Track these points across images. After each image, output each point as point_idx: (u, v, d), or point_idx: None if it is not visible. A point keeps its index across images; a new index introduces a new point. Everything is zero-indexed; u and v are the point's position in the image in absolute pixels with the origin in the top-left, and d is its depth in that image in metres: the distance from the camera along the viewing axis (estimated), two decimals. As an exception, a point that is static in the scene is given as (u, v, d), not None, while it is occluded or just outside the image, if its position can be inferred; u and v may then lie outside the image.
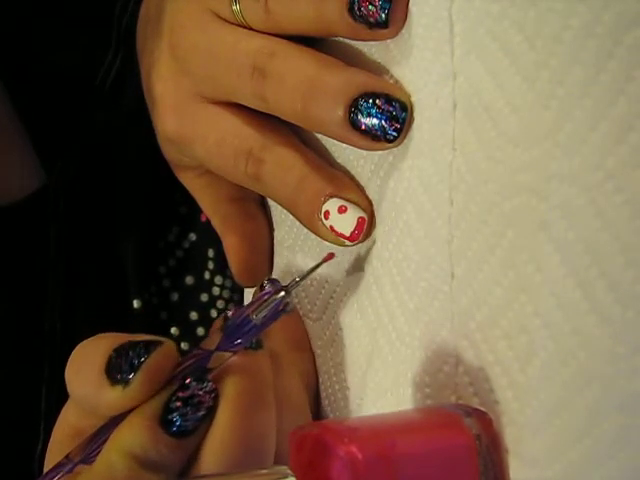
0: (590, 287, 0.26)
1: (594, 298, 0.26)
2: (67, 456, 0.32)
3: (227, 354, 0.32)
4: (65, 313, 0.46)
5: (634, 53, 0.24)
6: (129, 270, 0.48)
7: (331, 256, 0.35)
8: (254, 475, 0.28)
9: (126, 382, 0.30)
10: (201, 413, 0.31)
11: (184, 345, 0.49)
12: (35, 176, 0.47)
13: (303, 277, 0.33)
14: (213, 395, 0.31)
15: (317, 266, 0.34)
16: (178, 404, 0.31)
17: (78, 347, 0.33)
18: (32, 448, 0.35)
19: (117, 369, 0.31)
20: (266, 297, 0.33)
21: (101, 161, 0.48)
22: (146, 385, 0.31)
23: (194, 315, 0.49)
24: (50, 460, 0.33)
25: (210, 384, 0.31)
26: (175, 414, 0.30)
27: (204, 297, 0.49)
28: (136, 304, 0.48)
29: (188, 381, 0.31)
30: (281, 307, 0.33)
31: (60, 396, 0.34)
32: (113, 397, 0.31)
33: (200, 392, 0.31)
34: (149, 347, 0.31)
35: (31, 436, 0.38)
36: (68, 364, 0.33)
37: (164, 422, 0.30)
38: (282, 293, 0.33)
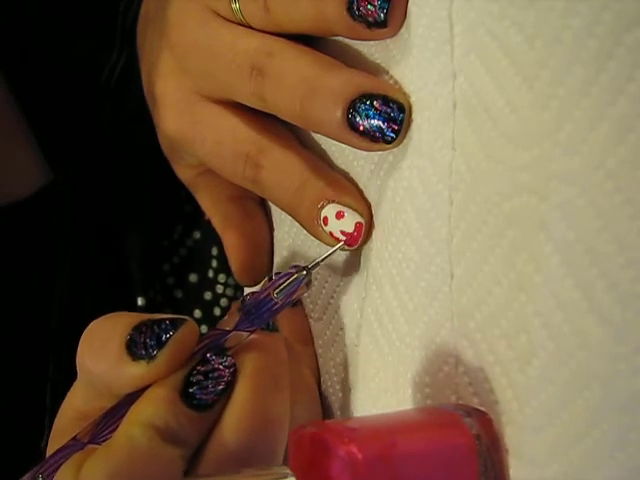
0: (590, 287, 0.26)
1: (594, 298, 0.25)
2: (75, 437, 0.32)
3: (245, 334, 0.33)
4: (71, 310, 0.46)
5: (634, 53, 0.24)
6: (134, 268, 0.48)
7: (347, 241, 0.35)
8: (254, 475, 0.28)
9: (151, 357, 0.31)
10: (221, 387, 0.31)
11: None
12: (41, 174, 0.47)
13: (324, 258, 0.35)
14: (232, 370, 0.32)
15: (336, 249, 0.35)
16: (199, 377, 0.31)
17: (92, 325, 0.33)
18: (36, 442, 0.35)
19: (139, 345, 0.31)
20: (287, 277, 0.34)
21: (106, 159, 0.48)
22: (171, 360, 0.31)
23: (198, 313, 0.49)
24: (53, 446, 0.33)
25: (229, 359, 0.32)
26: (195, 387, 0.31)
27: (208, 295, 0.49)
28: (140, 302, 0.48)
29: (208, 355, 0.32)
30: (302, 287, 0.34)
31: (65, 390, 0.34)
32: (136, 372, 0.31)
33: (220, 366, 0.31)
34: (176, 323, 0.31)
35: (36, 430, 0.38)
36: (82, 342, 0.33)
37: (185, 395, 0.31)
38: (303, 272, 0.34)
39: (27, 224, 0.46)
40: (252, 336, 0.33)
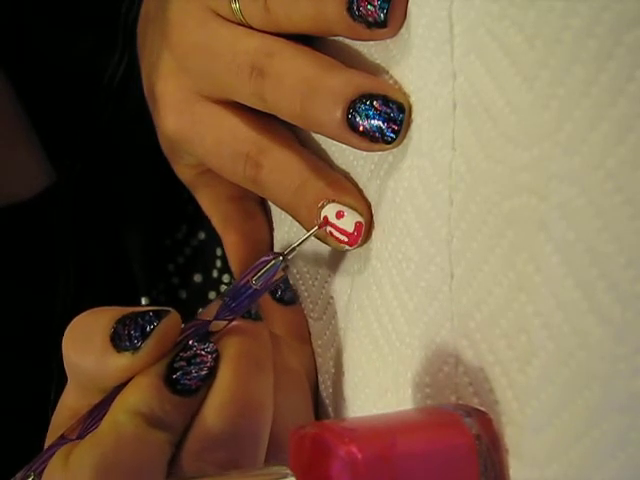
0: (590, 287, 0.26)
1: (594, 298, 0.25)
2: (62, 435, 0.32)
3: (226, 321, 0.34)
4: (74, 310, 0.46)
5: (634, 53, 0.24)
6: (137, 268, 0.49)
7: (323, 224, 0.36)
8: (254, 475, 0.28)
9: (135, 348, 0.31)
10: (204, 372, 0.32)
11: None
12: (44, 174, 0.48)
13: (299, 243, 0.36)
14: (214, 355, 0.32)
15: (312, 233, 0.36)
16: (182, 363, 0.32)
17: (75, 320, 0.33)
18: (42, 440, 0.35)
19: (123, 337, 0.31)
20: (264, 263, 0.35)
21: (109, 159, 0.49)
22: (155, 350, 0.32)
23: None
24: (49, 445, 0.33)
25: (211, 345, 0.32)
26: (179, 373, 0.32)
27: (212, 295, 0.49)
28: (144, 301, 0.48)
29: (191, 342, 0.32)
30: (279, 272, 0.35)
31: None
32: (121, 363, 0.31)
33: (202, 352, 0.32)
34: (159, 314, 0.32)
35: (40, 429, 0.39)
36: (65, 339, 0.33)
37: (169, 381, 0.32)
38: (280, 258, 0.35)
39: (30, 225, 0.47)
40: (234, 322, 0.34)
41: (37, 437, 0.36)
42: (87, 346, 0.32)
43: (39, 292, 0.47)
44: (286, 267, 0.35)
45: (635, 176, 0.25)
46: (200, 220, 0.49)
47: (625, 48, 0.24)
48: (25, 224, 0.46)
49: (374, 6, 0.32)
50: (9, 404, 0.45)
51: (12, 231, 0.46)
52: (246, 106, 0.38)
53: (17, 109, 0.48)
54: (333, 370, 0.39)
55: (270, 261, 0.35)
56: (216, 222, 0.44)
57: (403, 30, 0.32)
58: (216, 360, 0.32)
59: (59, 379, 0.44)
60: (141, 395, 0.31)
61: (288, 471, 0.27)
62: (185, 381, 0.32)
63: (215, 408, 0.32)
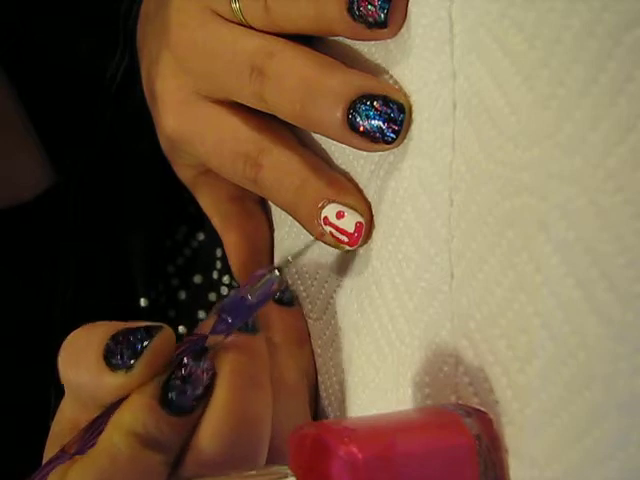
0: (590, 287, 0.26)
1: (594, 298, 0.25)
2: (62, 449, 0.32)
3: (223, 336, 0.33)
4: (74, 312, 0.46)
5: (634, 53, 0.24)
6: (137, 269, 0.48)
7: (322, 235, 0.36)
8: (254, 475, 0.28)
9: (128, 367, 0.31)
10: (199, 391, 0.31)
11: None
12: (45, 176, 0.47)
13: (295, 256, 0.35)
14: (210, 373, 0.32)
15: (309, 245, 0.35)
16: (177, 382, 0.31)
17: (69, 337, 0.33)
18: (42, 445, 0.35)
19: (116, 355, 0.31)
20: (259, 277, 0.34)
21: (110, 160, 0.48)
22: (148, 368, 0.31)
23: (202, 314, 0.49)
24: (48, 455, 0.33)
25: (207, 362, 0.32)
26: (174, 392, 0.31)
27: (212, 296, 0.49)
28: (143, 302, 0.48)
29: (186, 360, 0.32)
30: (275, 285, 0.34)
31: None
32: (115, 382, 0.31)
33: (198, 370, 0.32)
34: (151, 331, 0.32)
35: (41, 433, 0.39)
36: (60, 355, 0.33)
37: (164, 401, 0.31)
38: (275, 272, 0.34)
39: (31, 226, 0.46)
40: (230, 337, 0.33)
41: (37, 441, 0.36)
42: (81, 363, 0.32)
43: (40, 294, 0.47)
44: (282, 280, 0.35)
45: (635, 176, 0.25)
46: (200, 221, 0.49)
47: (625, 48, 0.24)
48: (26, 225, 0.46)
49: (374, 6, 0.32)
50: (9, 408, 0.44)
51: (13, 232, 0.46)
52: (246, 106, 0.38)
53: (19, 110, 0.48)
54: (333, 370, 0.39)
55: (265, 275, 0.34)
56: (216, 222, 0.44)
57: (403, 30, 0.32)
58: (212, 378, 0.32)
59: (59, 383, 0.44)
60: (136, 415, 0.31)
61: (288, 471, 0.27)
62: (180, 400, 0.31)
63: (211, 427, 0.31)
